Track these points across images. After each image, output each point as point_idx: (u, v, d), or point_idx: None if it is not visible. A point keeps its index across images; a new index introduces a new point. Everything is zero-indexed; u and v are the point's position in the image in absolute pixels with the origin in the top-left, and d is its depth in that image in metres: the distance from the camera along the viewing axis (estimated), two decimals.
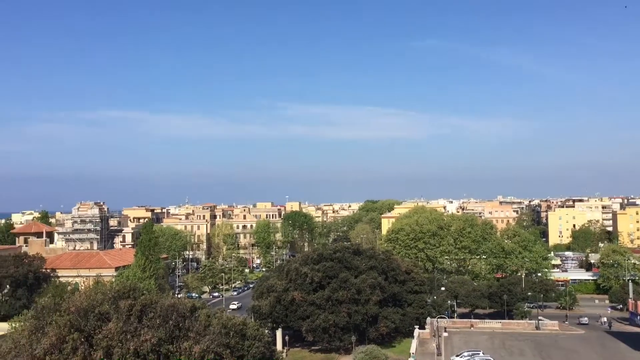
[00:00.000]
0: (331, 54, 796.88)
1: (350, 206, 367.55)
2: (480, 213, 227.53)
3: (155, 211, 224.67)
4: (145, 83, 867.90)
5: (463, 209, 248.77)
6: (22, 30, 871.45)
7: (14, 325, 71.73)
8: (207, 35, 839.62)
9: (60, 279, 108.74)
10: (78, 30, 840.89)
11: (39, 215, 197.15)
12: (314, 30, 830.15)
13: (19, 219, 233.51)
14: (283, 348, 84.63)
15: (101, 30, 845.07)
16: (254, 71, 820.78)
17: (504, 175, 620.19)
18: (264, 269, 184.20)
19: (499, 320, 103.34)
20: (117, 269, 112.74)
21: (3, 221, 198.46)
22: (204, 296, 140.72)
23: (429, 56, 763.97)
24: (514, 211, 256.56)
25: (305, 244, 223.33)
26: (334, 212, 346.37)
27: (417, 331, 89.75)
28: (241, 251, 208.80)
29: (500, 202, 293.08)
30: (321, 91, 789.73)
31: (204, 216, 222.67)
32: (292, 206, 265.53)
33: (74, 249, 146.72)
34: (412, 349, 79.76)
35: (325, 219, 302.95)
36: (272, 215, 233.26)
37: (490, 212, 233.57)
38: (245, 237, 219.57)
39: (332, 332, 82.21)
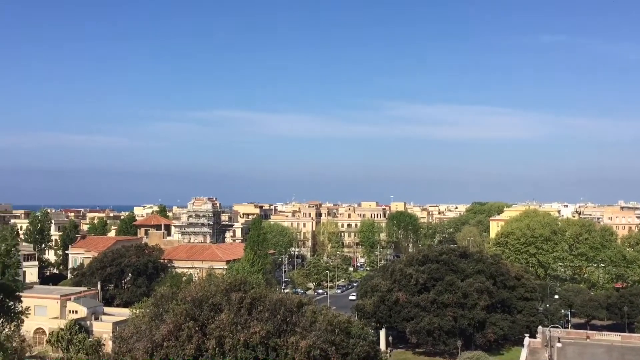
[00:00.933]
0: (434, 55, 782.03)
1: (456, 208, 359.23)
2: (598, 218, 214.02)
3: (263, 207, 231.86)
4: (255, 83, 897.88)
5: (579, 214, 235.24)
6: (139, 37, 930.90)
7: (134, 311, 77.17)
8: (318, 37, 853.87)
9: (176, 270, 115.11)
10: (186, 33, 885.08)
11: (158, 209, 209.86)
12: (426, 29, 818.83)
13: (140, 212, 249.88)
14: (387, 348, 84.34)
15: (209, 30, 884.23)
16: (364, 71, 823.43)
17: (625, 178, 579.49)
18: (367, 268, 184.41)
19: (618, 333, 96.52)
20: (227, 262, 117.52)
21: (127, 214, 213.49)
22: (309, 292, 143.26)
23: (545, 54, 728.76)
24: (637, 217, 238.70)
25: (410, 245, 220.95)
26: (439, 213, 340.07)
27: (527, 340, 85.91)
28: (345, 249, 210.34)
29: (622, 208, 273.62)
30: (429, 91, 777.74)
31: (309, 214, 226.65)
32: (397, 206, 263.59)
33: (189, 241, 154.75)
34: (522, 358, 76.55)
35: (430, 220, 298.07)
36: (377, 214, 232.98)
37: (610, 218, 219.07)
38: (349, 235, 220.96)
39: (436, 336, 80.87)
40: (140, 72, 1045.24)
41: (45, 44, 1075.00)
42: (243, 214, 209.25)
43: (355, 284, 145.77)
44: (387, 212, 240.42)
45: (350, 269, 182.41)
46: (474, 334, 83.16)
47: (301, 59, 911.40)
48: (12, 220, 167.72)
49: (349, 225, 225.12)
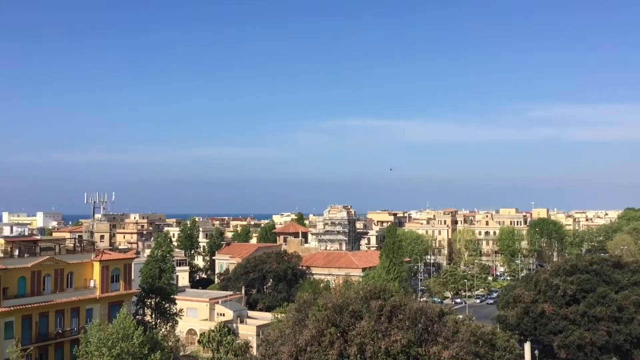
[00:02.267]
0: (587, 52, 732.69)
1: (607, 214, 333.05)
2: None
3: (397, 215, 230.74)
4: (388, 90, 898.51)
5: None
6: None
7: (277, 315, 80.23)
8: (458, 44, 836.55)
9: (314, 276, 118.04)
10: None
11: (296, 217, 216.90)
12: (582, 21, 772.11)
13: (278, 220, 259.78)
14: None
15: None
16: (504, 73, 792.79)
17: None
18: (508, 278, 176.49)
19: None
20: (363, 269, 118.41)
21: (267, 222, 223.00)
22: (446, 302, 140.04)
23: None
24: None
25: (554, 254, 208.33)
26: (587, 220, 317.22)
27: None
28: (483, 258, 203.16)
29: None
30: (568, 88, 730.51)
31: (444, 221, 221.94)
32: (539, 213, 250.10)
33: (325, 249, 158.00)
34: None
35: (577, 228, 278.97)
36: (517, 222, 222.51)
37: None
38: (487, 243, 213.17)
39: (588, 351, 75.28)
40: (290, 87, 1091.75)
41: (203, 63, 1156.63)
42: (377, 221, 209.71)
43: (495, 294, 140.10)
44: (528, 219, 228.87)
45: (489, 278, 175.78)
46: (631, 351, 76.39)
47: (431, 64, 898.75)
48: (166, 228, 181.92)
49: (486, 232, 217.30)
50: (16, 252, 70.55)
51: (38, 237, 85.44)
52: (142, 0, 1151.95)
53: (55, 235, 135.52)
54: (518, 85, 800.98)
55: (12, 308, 65.54)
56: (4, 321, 64.99)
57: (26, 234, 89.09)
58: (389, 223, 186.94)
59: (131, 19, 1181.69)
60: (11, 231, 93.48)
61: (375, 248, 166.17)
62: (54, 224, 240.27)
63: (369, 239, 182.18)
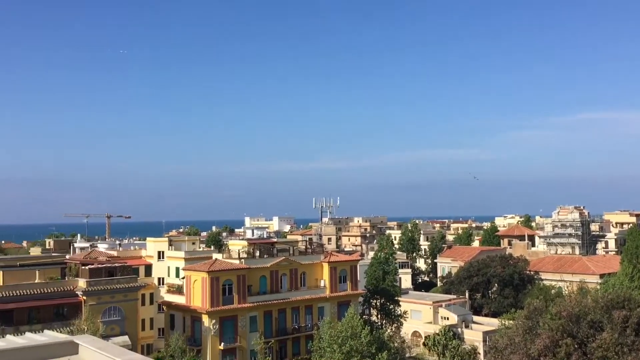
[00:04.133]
0: None
1: None
2: None
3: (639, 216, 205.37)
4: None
5: None
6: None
7: (504, 322, 76.82)
8: None
9: (543, 282, 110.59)
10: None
11: (521, 219, 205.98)
12: None
13: (501, 223, 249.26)
14: None
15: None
16: None
17: None
18: None
19: None
20: (601, 276, 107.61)
21: (488, 224, 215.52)
22: None
23: None
24: None
25: None
26: None
27: None
28: None
29: None
30: None
31: None
32: None
33: (555, 252, 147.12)
34: None
35: None
36: None
37: None
38: None
39: None
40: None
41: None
42: (616, 223, 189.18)
43: None
44: None
45: None
46: None
47: None
48: (387, 231, 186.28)
49: None
50: (257, 253, 78.27)
51: (275, 240, 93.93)
52: None
53: (289, 237, 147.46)
54: None
55: (255, 304, 72.81)
56: (249, 316, 72.45)
57: (265, 236, 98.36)
58: (631, 225, 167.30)
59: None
60: (252, 234, 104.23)
61: (614, 252, 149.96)
62: (288, 227, 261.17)
63: (606, 243, 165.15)
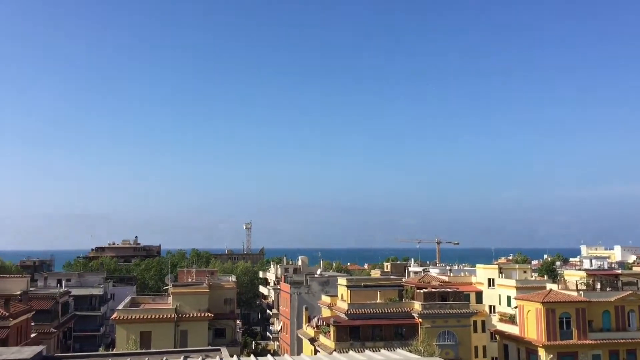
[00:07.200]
0: None
1: None
2: None
3: None
4: None
5: None
6: None
7: None
8: None
9: None
10: None
11: None
12: None
13: None
14: None
15: None
16: None
17: None
18: None
19: None
20: None
21: None
22: None
23: None
24: None
25: None
26: None
27: None
28: None
29: None
30: None
31: None
32: None
33: None
34: None
35: None
36: None
37: None
38: None
39: None
40: None
41: None
42: None
43: None
44: None
45: None
46: None
47: None
48: None
49: None
50: (598, 285, 71.38)
51: (619, 272, 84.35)
52: None
53: (635, 269, 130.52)
54: None
55: (599, 341, 66.26)
56: (591, 354, 66.27)
57: (605, 267, 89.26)
58: None
59: None
60: (590, 264, 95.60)
61: None
62: (633, 257, 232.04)
63: None
